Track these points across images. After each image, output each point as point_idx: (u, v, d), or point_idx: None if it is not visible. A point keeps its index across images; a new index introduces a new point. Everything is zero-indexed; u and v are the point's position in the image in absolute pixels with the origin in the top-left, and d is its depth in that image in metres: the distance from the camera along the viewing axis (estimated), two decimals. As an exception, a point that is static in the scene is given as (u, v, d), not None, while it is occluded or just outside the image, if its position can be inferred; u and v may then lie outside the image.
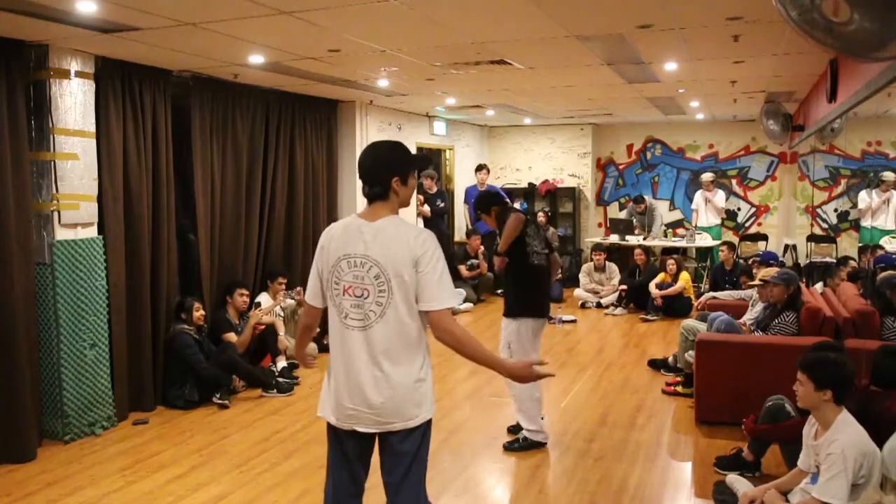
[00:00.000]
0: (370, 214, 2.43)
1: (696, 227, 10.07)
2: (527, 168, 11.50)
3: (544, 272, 4.38)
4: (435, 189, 9.57)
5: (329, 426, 2.52)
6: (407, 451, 2.46)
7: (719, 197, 10.12)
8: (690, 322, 5.67)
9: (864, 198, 9.36)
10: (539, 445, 4.44)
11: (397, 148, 2.49)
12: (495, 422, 5.04)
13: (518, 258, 4.27)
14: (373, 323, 2.36)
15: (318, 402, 2.54)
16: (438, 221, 9.61)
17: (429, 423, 2.49)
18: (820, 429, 3.06)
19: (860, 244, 9.40)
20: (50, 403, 4.60)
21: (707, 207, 10.12)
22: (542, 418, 4.53)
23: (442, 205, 9.53)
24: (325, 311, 2.55)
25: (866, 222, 9.33)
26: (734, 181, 10.75)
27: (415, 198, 9.23)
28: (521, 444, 4.44)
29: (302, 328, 2.76)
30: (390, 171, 2.41)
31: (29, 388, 4.34)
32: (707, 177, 10.16)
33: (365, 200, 2.49)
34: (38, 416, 4.50)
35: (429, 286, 2.34)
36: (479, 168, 10.34)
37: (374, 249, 2.36)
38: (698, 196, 10.29)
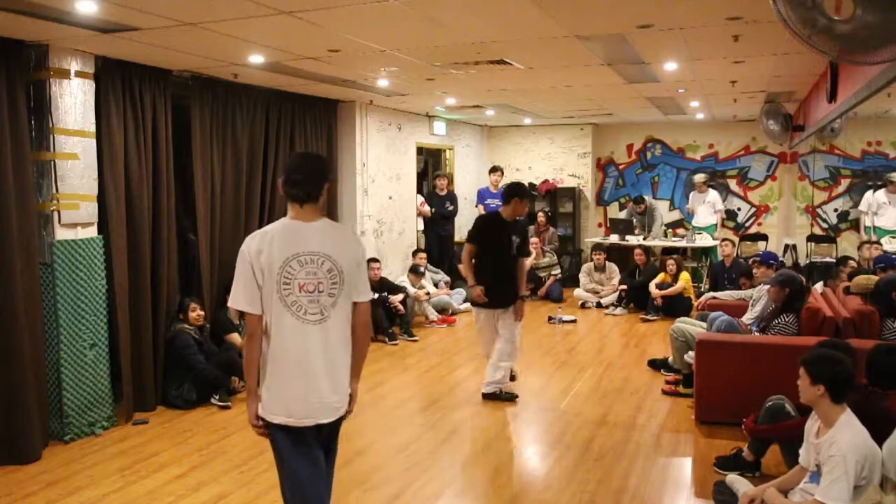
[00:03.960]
0: (304, 216, 2.61)
1: (693, 227, 10.08)
2: (527, 168, 11.50)
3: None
4: (445, 191, 9.56)
5: (279, 430, 2.57)
6: (337, 432, 2.75)
7: (713, 197, 10.12)
8: (679, 325, 5.67)
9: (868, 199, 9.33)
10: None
11: (326, 158, 2.93)
12: (495, 422, 5.04)
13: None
14: (328, 315, 2.57)
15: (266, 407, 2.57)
16: (445, 224, 9.59)
17: None
18: (822, 427, 3.06)
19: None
20: (50, 403, 4.59)
21: (703, 207, 10.12)
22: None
23: (451, 208, 9.51)
24: None
25: (870, 222, 9.25)
26: (734, 181, 10.75)
27: (416, 198, 9.26)
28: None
29: (249, 337, 2.61)
30: (325, 177, 2.70)
31: (33, 389, 4.34)
32: (700, 178, 10.18)
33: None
34: (44, 417, 4.49)
35: (364, 281, 2.69)
36: (493, 170, 10.28)
37: (326, 246, 2.58)
38: (692, 196, 10.33)
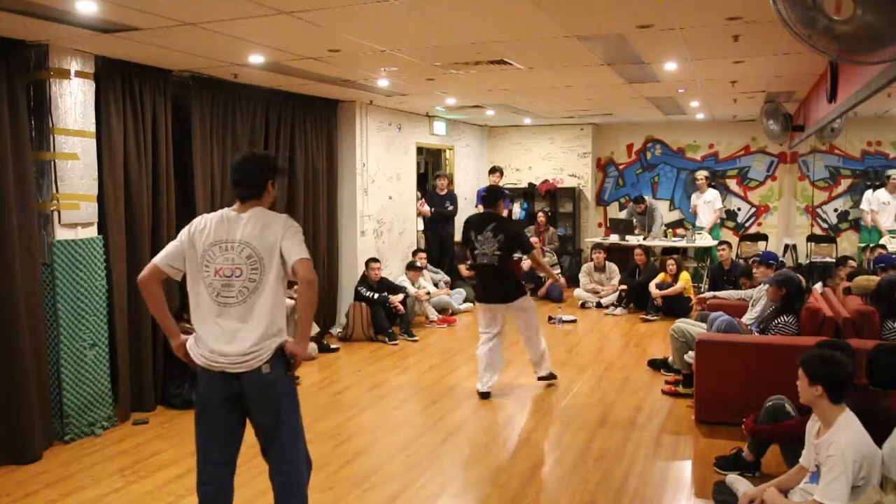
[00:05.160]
0: (241, 209, 2.85)
1: (695, 227, 10.10)
2: (527, 168, 11.50)
3: (488, 269, 5.42)
4: (445, 191, 9.55)
5: (197, 392, 2.88)
6: (262, 395, 2.81)
7: (711, 196, 10.13)
8: (680, 325, 5.66)
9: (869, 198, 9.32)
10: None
11: (268, 157, 3.00)
12: (495, 421, 5.04)
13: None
14: (248, 297, 2.76)
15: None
16: (445, 224, 9.58)
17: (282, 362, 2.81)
18: (823, 427, 3.06)
19: (862, 244, 9.40)
20: (51, 403, 4.59)
21: (703, 207, 10.14)
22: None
23: (451, 207, 9.50)
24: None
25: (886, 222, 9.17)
26: (734, 181, 10.75)
27: (415, 198, 9.26)
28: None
29: (139, 281, 2.91)
30: (265, 177, 2.88)
31: (35, 388, 4.33)
32: (701, 174, 10.20)
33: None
34: (46, 417, 4.49)
35: (290, 246, 2.76)
36: (493, 171, 10.26)
37: (247, 234, 2.78)
38: (694, 196, 10.35)
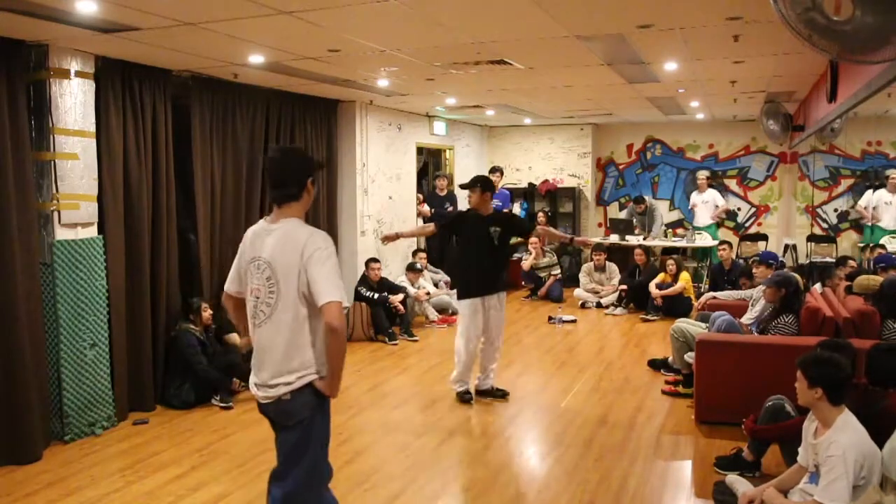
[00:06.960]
0: (276, 217, 2.60)
1: (693, 227, 10.10)
2: (527, 168, 11.50)
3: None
4: (445, 192, 9.54)
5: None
6: (284, 423, 2.64)
7: (710, 196, 10.14)
8: (680, 325, 5.66)
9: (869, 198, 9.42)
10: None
11: (304, 151, 2.69)
12: (495, 422, 5.04)
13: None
14: (262, 322, 2.57)
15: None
16: None
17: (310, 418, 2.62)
18: (820, 427, 3.06)
19: (862, 244, 9.41)
20: (50, 403, 4.59)
21: (702, 206, 10.14)
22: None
23: (451, 208, 9.49)
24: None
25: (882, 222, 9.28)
26: (734, 181, 10.75)
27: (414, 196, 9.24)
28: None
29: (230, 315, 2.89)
30: (306, 172, 2.60)
31: (34, 389, 4.34)
32: (701, 174, 10.21)
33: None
34: (46, 417, 4.49)
35: (319, 282, 2.44)
36: (493, 171, 10.23)
37: (268, 252, 2.53)
38: (693, 196, 10.35)
